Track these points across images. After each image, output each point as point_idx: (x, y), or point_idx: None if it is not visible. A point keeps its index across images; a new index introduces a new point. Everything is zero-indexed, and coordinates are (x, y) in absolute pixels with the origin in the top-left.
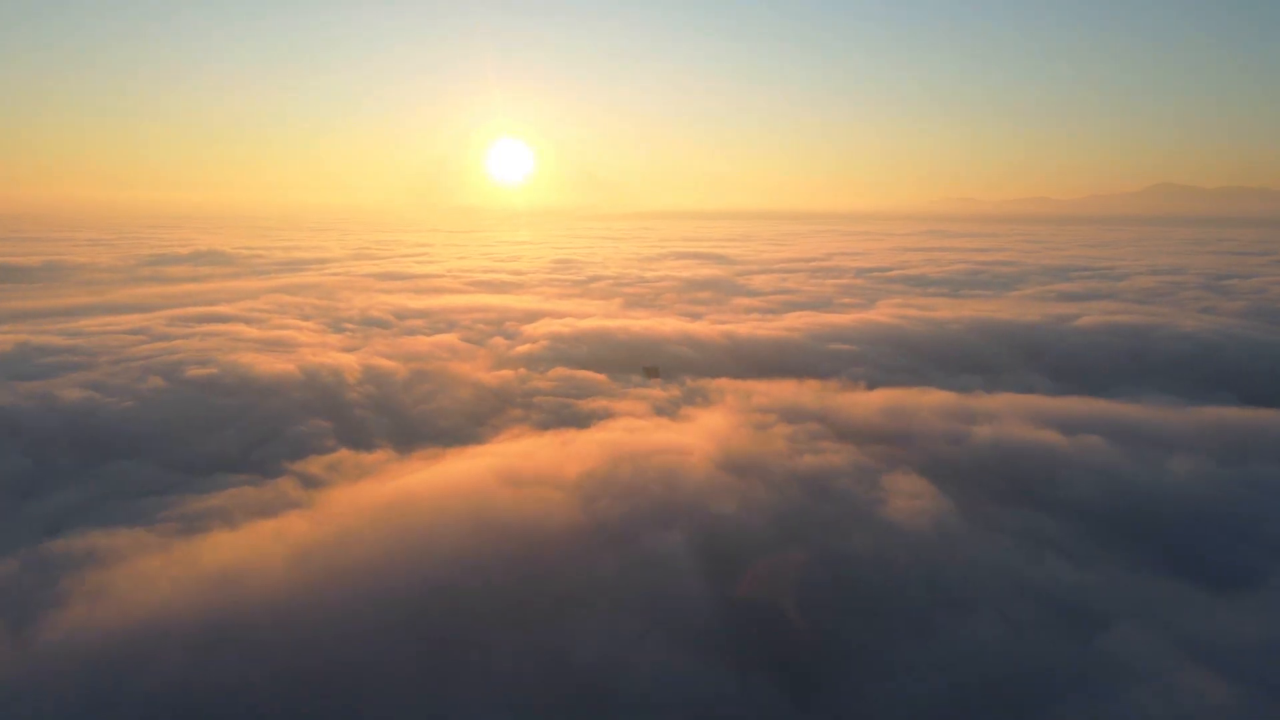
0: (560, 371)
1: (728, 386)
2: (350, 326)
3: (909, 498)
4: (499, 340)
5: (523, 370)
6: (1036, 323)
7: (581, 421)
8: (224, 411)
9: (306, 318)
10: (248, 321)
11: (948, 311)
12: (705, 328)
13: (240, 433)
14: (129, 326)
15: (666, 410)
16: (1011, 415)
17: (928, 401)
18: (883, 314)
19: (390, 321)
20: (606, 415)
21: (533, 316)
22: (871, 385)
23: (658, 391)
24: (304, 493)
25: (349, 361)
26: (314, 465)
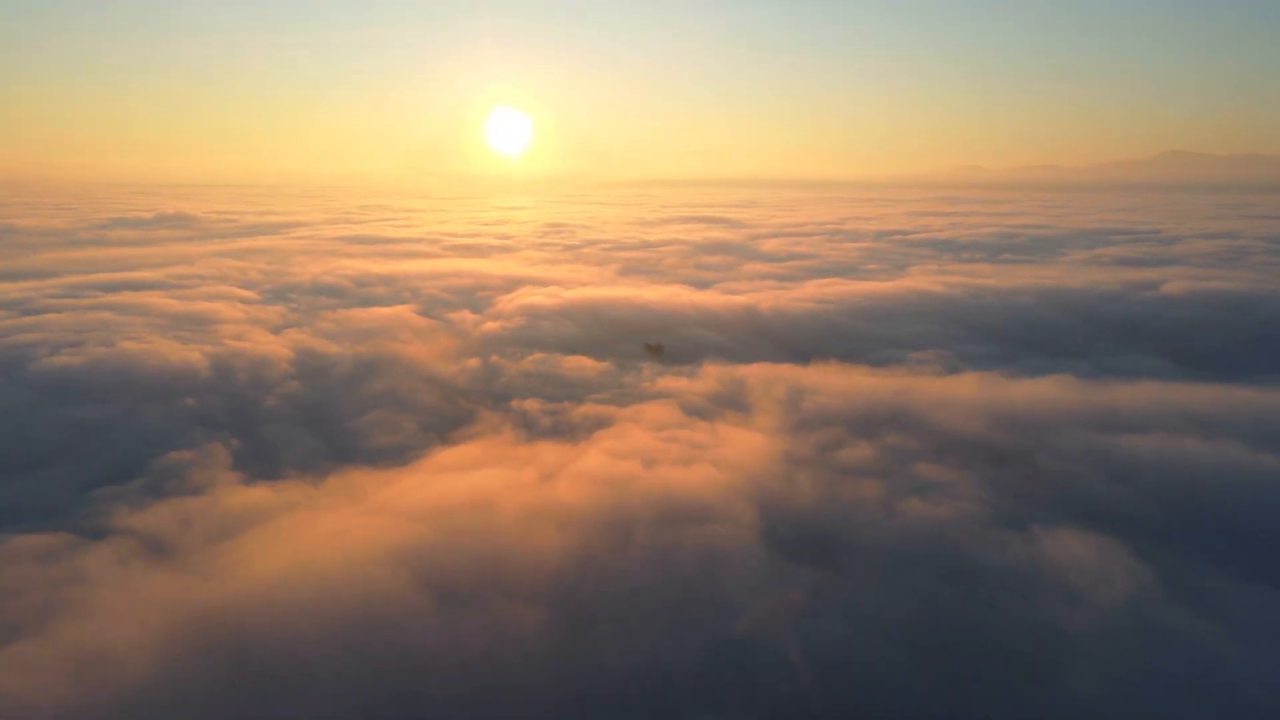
0: (539, 357)
1: (764, 375)
2: (295, 296)
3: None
4: (466, 315)
5: (494, 358)
6: (1115, 291)
7: (570, 433)
8: (68, 427)
9: (248, 285)
10: (170, 290)
11: (1000, 279)
12: (720, 298)
13: (80, 463)
14: (7, 298)
15: (688, 416)
16: (1161, 416)
17: (1044, 398)
18: (924, 281)
19: (346, 289)
20: (603, 424)
21: (512, 284)
22: (950, 371)
23: (675, 382)
24: (117, 570)
25: (277, 347)
26: (161, 516)
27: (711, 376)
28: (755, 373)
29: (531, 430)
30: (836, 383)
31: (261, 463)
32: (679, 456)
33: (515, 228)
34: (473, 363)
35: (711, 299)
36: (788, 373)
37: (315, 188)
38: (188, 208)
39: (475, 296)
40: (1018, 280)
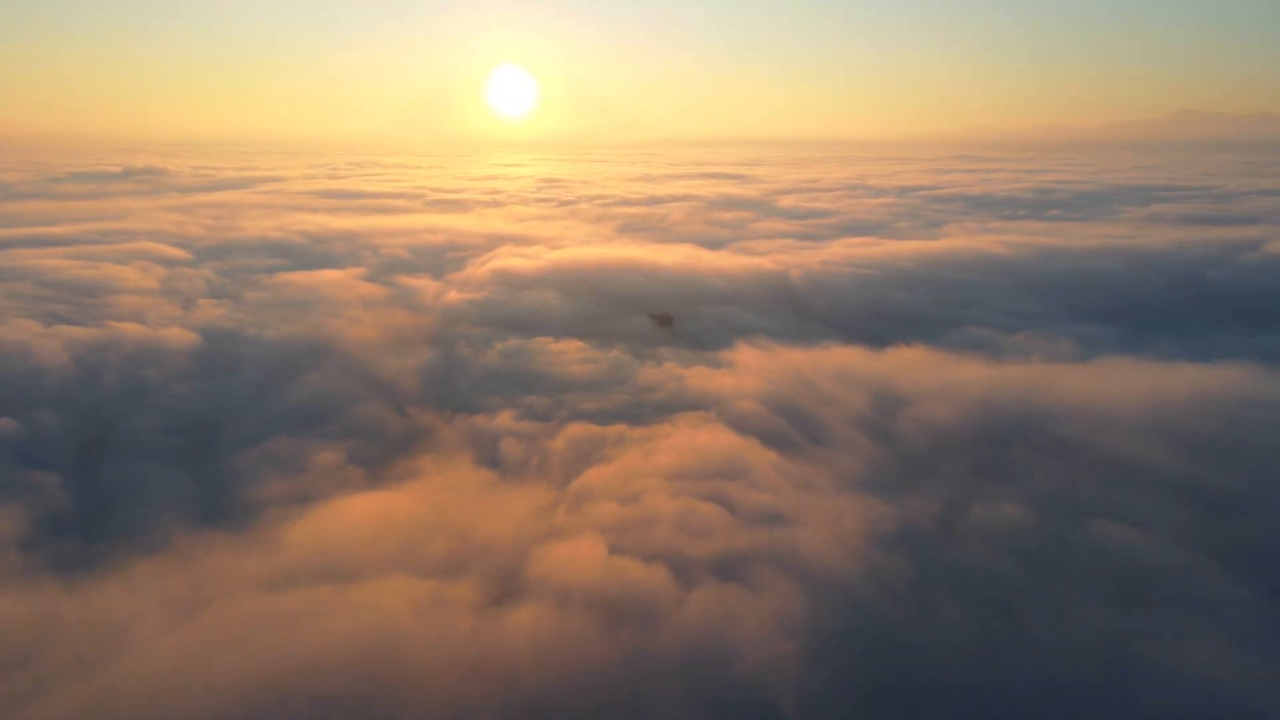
0: (514, 344)
1: (823, 366)
2: (233, 257)
3: None
4: (427, 284)
5: (458, 348)
6: (1213, 254)
7: (554, 472)
8: None
9: (183, 243)
10: (80, 248)
11: (1064, 238)
12: (740, 260)
13: None
14: None
15: (740, 437)
16: None
17: (1258, 399)
18: (978, 240)
19: (297, 248)
20: (602, 455)
21: (492, 243)
22: (1074, 357)
23: (705, 378)
24: None
25: (177, 332)
26: None
27: (753, 368)
28: (810, 363)
29: (498, 464)
30: (925, 378)
31: (83, 528)
32: (738, 550)
33: (507, 184)
34: (428, 354)
35: (730, 261)
36: (854, 361)
37: (312, 146)
38: (165, 163)
39: (444, 258)
40: (1085, 240)
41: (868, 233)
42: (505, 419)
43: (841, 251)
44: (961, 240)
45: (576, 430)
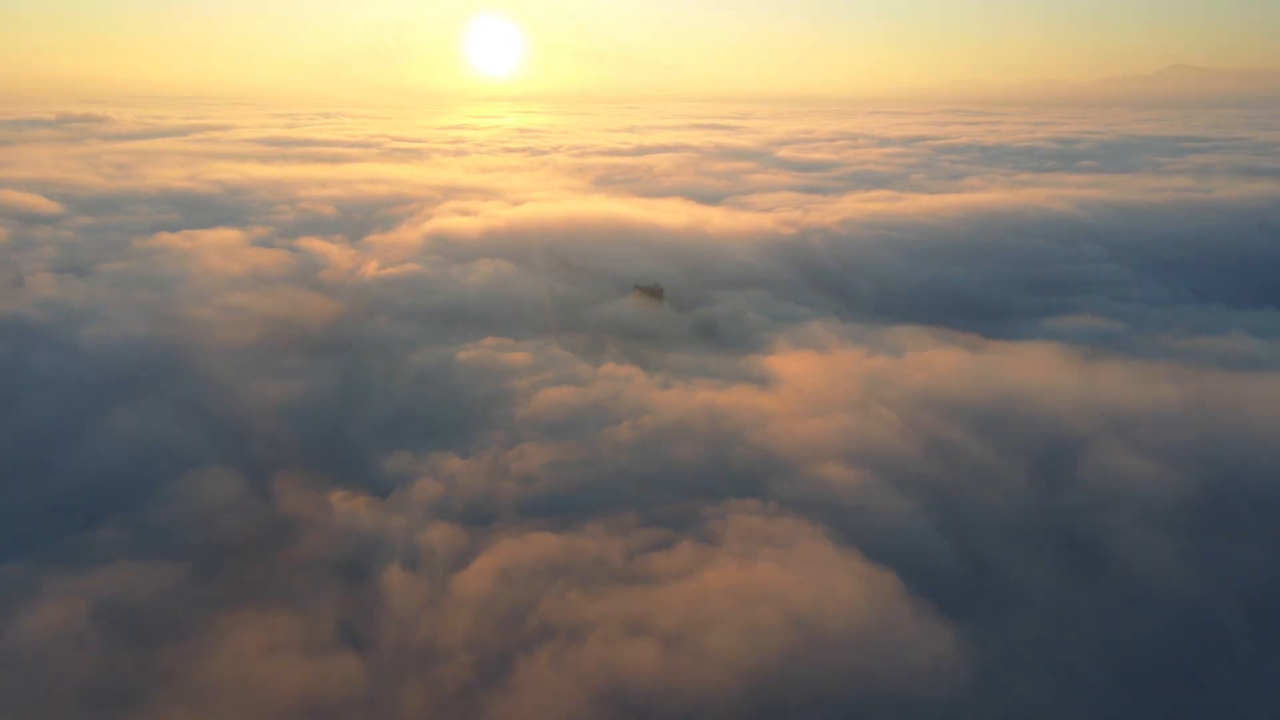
0: (435, 357)
1: (910, 376)
2: (113, 213)
3: None
4: (341, 251)
5: (370, 360)
6: None
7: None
8: None
9: (62, 196)
10: None
11: (1121, 191)
12: (746, 219)
13: None
14: None
15: (827, 547)
16: None
17: None
18: (1023, 195)
19: (202, 200)
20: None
21: (445, 195)
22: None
23: (731, 399)
24: None
25: None
26: None
27: (814, 387)
28: (895, 374)
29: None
30: (1092, 397)
31: None
32: None
33: (477, 133)
34: (319, 370)
35: (732, 220)
36: (957, 370)
37: (311, 101)
38: (112, 112)
39: (376, 215)
40: (1153, 194)
41: (882, 185)
42: (419, 504)
43: (858, 207)
44: (999, 194)
45: (525, 551)
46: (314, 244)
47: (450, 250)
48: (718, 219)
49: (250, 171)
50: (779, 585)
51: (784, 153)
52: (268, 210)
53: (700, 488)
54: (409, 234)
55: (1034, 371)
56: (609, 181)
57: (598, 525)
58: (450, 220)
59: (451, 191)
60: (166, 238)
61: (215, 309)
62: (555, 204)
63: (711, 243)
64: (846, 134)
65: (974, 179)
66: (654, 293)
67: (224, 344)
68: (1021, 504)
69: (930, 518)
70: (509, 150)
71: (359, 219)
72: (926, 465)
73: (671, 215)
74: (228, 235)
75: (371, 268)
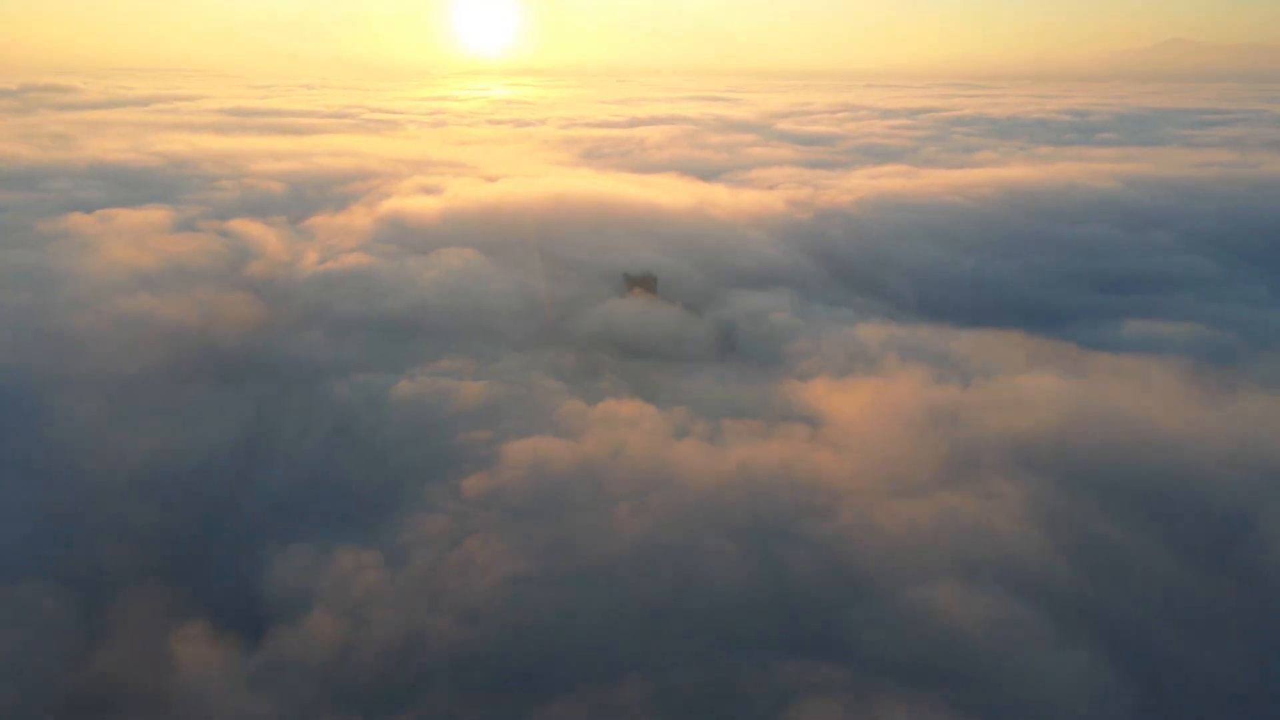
0: (377, 387)
1: (1016, 418)
2: (29, 189)
3: None
4: (278, 236)
5: (287, 397)
6: None
7: None
8: None
9: None
10: None
11: (1159, 166)
12: (753, 198)
13: None
14: None
15: None
16: None
17: None
18: (1056, 171)
19: (136, 174)
20: None
21: (414, 170)
22: None
23: (796, 479)
24: None
25: None
26: None
27: (878, 429)
28: (978, 410)
29: None
30: None
31: None
32: None
33: (460, 105)
34: (221, 407)
35: (738, 200)
36: (1046, 391)
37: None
38: (79, 83)
39: (331, 192)
40: (1195, 169)
41: (892, 159)
42: (296, 668)
43: (873, 184)
44: (1026, 169)
45: None
46: (249, 228)
47: (408, 237)
48: (723, 199)
49: (202, 142)
50: None
51: (783, 125)
52: (208, 186)
53: (743, 634)
54: (361, 216)
55: (1153, 402)
56: (597, 155)
57: (578, 712)
58: (411, 200)
59: (422, 165)
60: (78, 219)
61: (104, 317)
62: (537, 180)
63: (720, 229)
64: (847, 106)
65: (989, 152)
66: (646, 284)
67: (100, 370)
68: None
69: (1120, 683)
70: (492, 122)
71: (311, 196)
72: (1082, 580)
73: (670, 194)
74: (151, 216)
75: (310, 260)
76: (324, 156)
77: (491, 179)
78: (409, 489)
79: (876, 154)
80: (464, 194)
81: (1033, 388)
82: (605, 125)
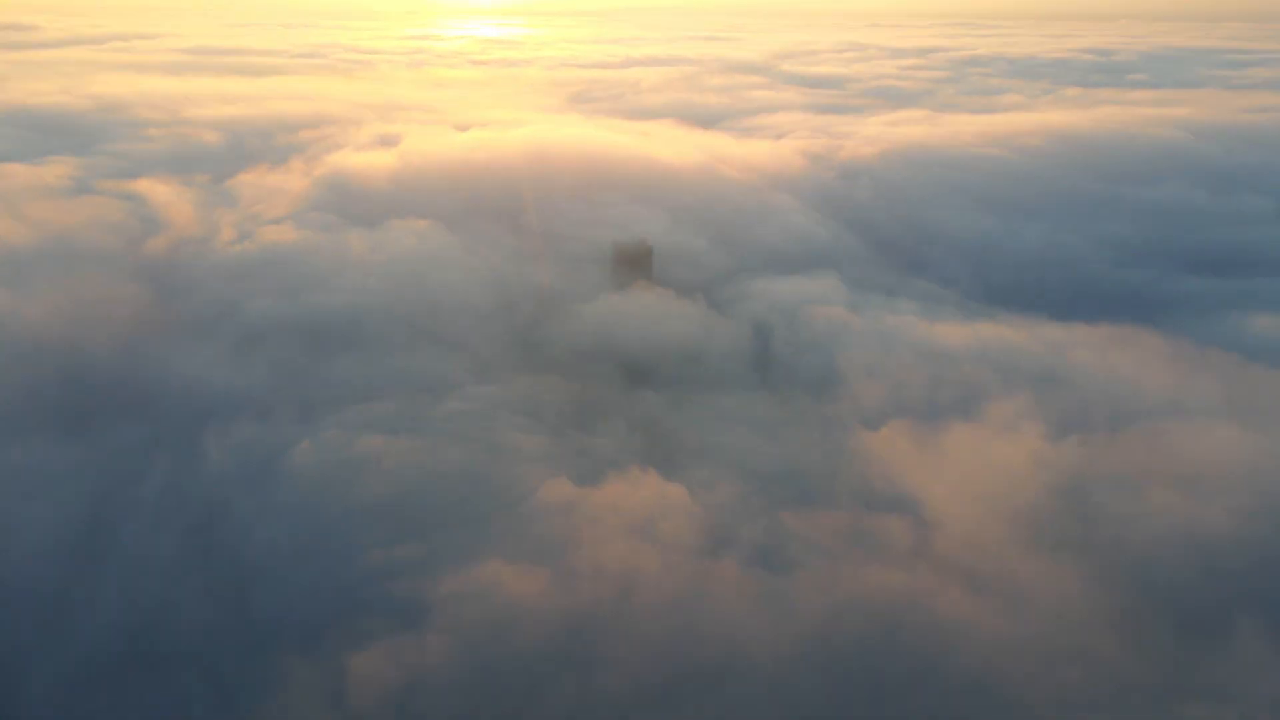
0: (261, 452)
1: None
2: None
3: None
4: (194, 199)
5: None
6: None
7: None
8: None
9: None
10: None
11: (1214, 111)
12: (765, 149)
13: None
14: None
15: None
16: None
17: None
18: (1098, 116)
19: (62, 119)
20: None
21: (380, 115)
22: None
23: None
24: None
25: None
26: None
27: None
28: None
29: None
30: None
31: None
32: None
33: (441, 44)
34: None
35: (749, 153)
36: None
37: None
38: (40, 21)
39: (275, 143)
40: (1257, 115)
41: (908, 103)
42: None
43: (894, 133)
44: (1063, 114)
45: None
46: (159, 190)
47: (352, 204)
48: (732, 152)
49: (145, 85)
50: None
51: (788, 66)
52: (134, 135)
53: None
54: (299, 176)
55: None
56: (587, 99)
57: None
58: (361, 155)
59: (388, 111)
60: None
61: None
62: (515, 130)
63: (738, 194)
64: (853, 45)
65: (1014, 95)
66: (639, 257)
67: None
68: None
69: None
70: (475, 63)
71: (252, 147)
72: None
73: (670, 146)
74: (48, 174)
75: (226, 235)
76: (279, 100)
77: (463, 127)
78: (275, 663)
79: (891, 97)
80: (426, 147)
81: (1215, 443)
82: (598, 66)
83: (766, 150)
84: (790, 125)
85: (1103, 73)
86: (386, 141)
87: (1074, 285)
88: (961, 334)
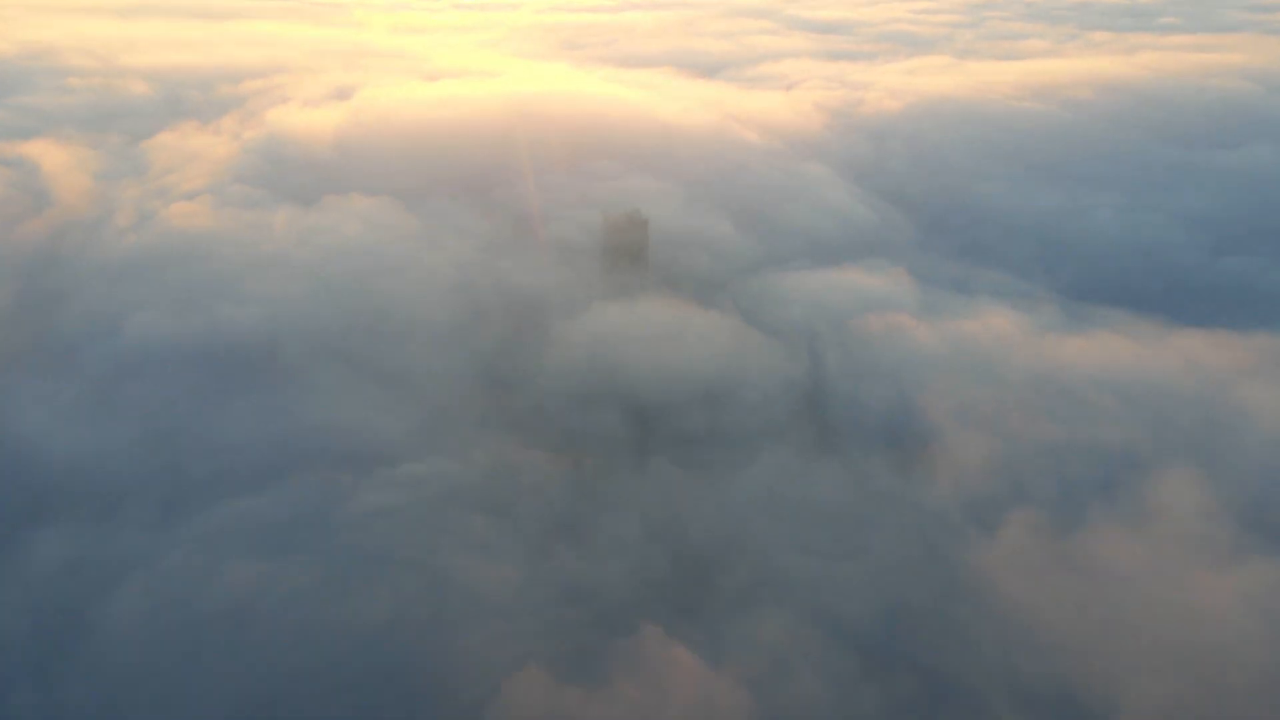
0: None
1: None
2: None
3: None
4: (84, 183)
5: None
6: None
7: None
8: None
9: None
10: None
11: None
12: (783, 106)
13: None
14: None
15: None
16: None
17: None
18: (1148, 62)
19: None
20: None
21: (344, 63)
22: None
23: None
24: None
25: None
26: None
27: None
28: None
29: None
30: None
31: None
32: None
33: None
34: None
35: (762, 109)
36: None
37: None
38: None
39: (213, 96)
40: None
41: (925, 49)
42: None
43: (914, 83)
44: (1103, 61)
45: None
46: (54, 154)
47: (287, 172)
48: (744, 106)
49: (86, 28)
50: None
51: (792, 10)
52: (52, 85)
53: None
54: (227, 139)
55: None
56: (578, 46)
57: None
58: (305, 113)
59: (352, 59)
60: None
61: None
62: (492, 81)
63: (761, 163)
64: None
65: (1038, 40)
66: (633, 230)
67: None
68: None
69: None
70: (459, 6)
71: (189, 100)
72: None
73: (676, 102)
74: None
75: (124, 216)
76: (231, 46)
77: (432, 78)
78: None
79: (905, 42)
80: (384, 103)
81: None
82: (591, 10)
83: (780, 104)
84: (800, 74)
85: (1130, 16)
86: (343, 94)
87: (1165, 275)
88: (1075, 351)
